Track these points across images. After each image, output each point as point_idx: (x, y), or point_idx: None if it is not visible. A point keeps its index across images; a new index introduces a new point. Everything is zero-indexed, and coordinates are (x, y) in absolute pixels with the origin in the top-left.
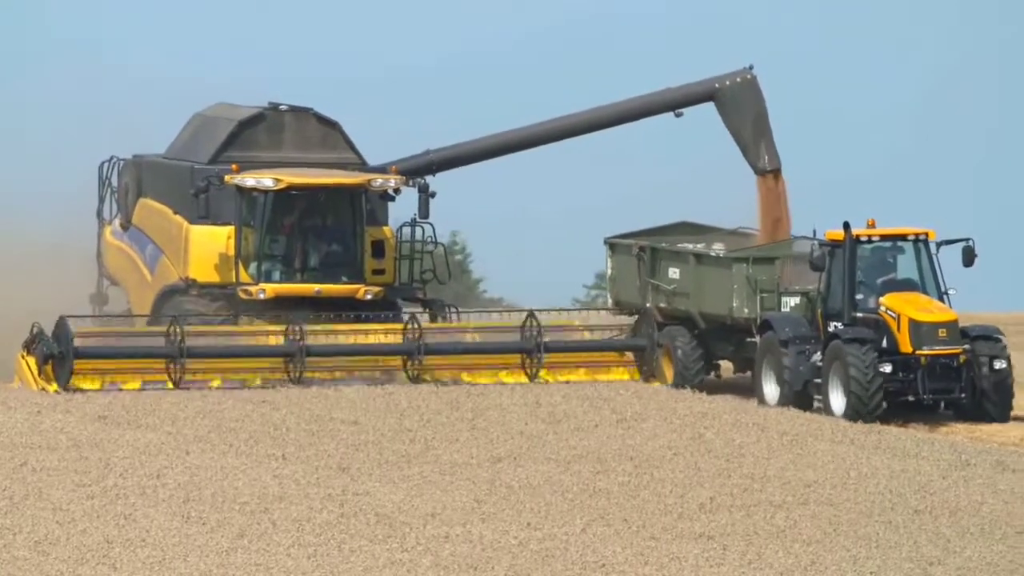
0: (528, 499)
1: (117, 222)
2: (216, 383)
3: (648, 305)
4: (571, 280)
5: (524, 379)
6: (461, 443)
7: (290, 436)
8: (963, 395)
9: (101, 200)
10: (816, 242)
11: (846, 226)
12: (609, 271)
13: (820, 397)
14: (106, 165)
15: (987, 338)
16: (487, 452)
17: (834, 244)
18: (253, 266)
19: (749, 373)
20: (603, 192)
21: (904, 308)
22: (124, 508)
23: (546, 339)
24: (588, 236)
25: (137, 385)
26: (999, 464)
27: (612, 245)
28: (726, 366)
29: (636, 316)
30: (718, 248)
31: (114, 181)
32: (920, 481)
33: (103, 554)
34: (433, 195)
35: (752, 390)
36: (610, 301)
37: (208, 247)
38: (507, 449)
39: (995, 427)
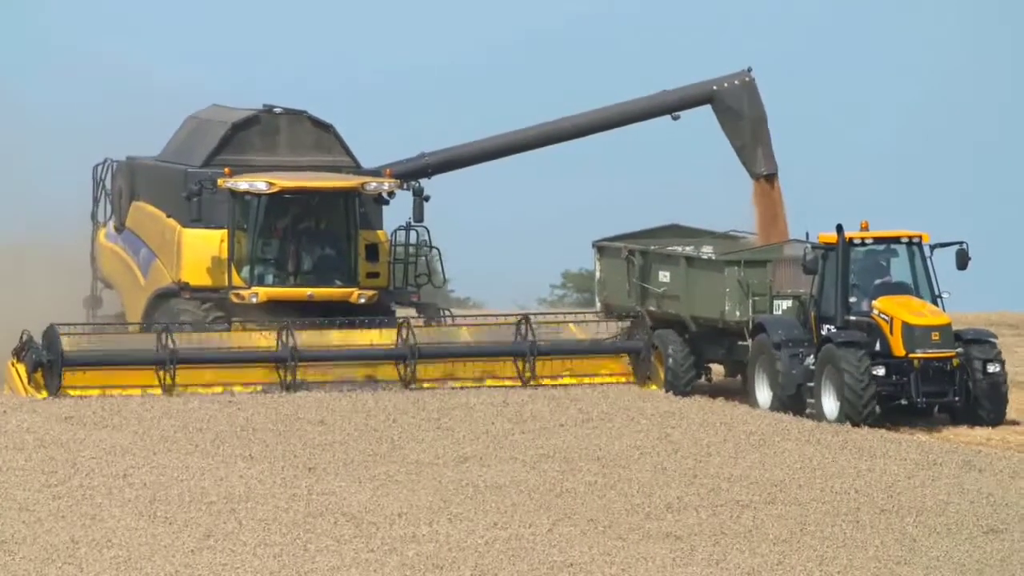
0: (494, 499)
1: (111, 225)
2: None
3: (638, 308)
4: (538, 280)
5: (518, 382)
6: (427, 443)
7: (256, 436)
8: (956, 399)
9: (95, 202)
10: (809, 245)
11: (839, 229)
12: (598, 274)
13: (813, 401)
14: (100, 167)
15: (981, 341)
16: (453, 452)
17: (827, 247)
18: (246, 270)
19: (740, 377)
20: (582, 195)
21: (897, 311)
22: (90, 508)
23: (540, 342)
24: (556, 236)
25: (127, 392)
26: (965, 464)
27: (600, 248)
28: (717, 369)
29: (626, 319)
30: (707, 251)
31: (108, 183)
32: (886, 481)
33: (69, 554)
34: (427, 199)
35: (742, 393)
36: (598, 304)
37: (201, 250)
38: (473, 449)
39: (962, 427)
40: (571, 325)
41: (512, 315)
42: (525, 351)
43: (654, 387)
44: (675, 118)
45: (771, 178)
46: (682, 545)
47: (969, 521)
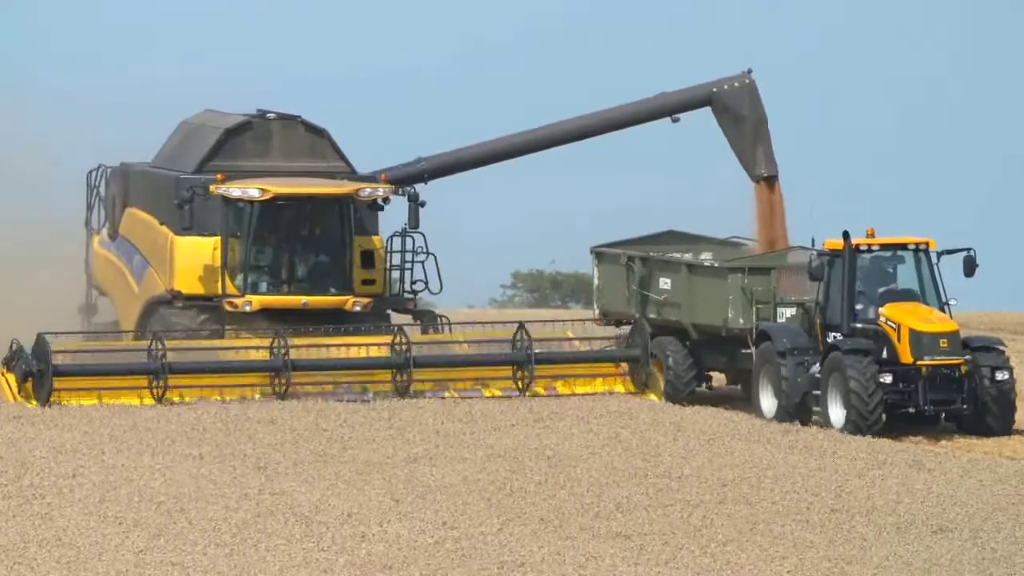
0: (444, 498)
1: (105, 231)
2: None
3: (636, 315)
4: (490, 279)
5: (515, 391)
6: (378, 442)
7: (207, 435)
8: (964, 406)
9: (89, 209)
10: (814, 252)
11: (845, 235)
12: (596, 281)
13: (819, 409)
14: (94, 173)
15: (989, 349)
16: (403, 451)
17: (833, 254)
18: (239, 278)
19: (741, 385)
20: (560, 198)
21: (904, 318)
22: (40, 507)
23: (537, 350)
24: (508, 236)
25: (119, 401)
26: (915, 463)
27: (599, 254)
28: (718, 377)
29: (624, 326)
30: (707, 258)
31: (102, 190)
32: (837, 480)
33: (19, 554)
34: (423, 204)
35: (743, 401)
36: (596, 311)
37: (193, 258)
38: (423, 448)
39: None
40: (569, 332)
41: (509, 323)
42: (522, 359)
43: (653, 395)
44: (675, 120)
45: (771, 180)
46: (632, 544)
47: (919, 520)
